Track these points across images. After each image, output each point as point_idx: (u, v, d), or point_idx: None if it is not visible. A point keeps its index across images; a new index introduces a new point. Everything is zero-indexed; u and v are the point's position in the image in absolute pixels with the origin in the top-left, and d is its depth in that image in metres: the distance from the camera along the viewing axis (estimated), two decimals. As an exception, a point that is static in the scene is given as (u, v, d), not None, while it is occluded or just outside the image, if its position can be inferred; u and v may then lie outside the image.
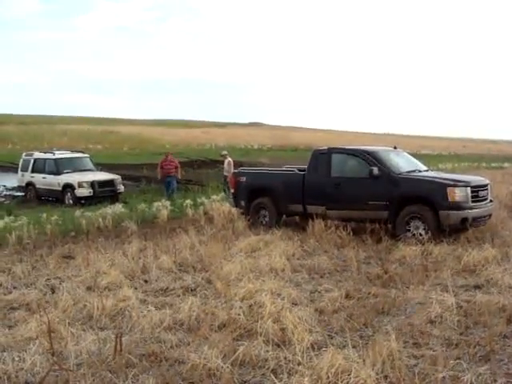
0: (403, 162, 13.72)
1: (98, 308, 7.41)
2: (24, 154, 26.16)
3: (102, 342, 6.16)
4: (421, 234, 11.90)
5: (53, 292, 8.59)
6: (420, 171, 13.61)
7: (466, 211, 11.95)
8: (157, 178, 23.81)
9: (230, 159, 23.09)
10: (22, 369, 5.54)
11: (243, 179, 15.25)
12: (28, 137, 69.22)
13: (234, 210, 15.76)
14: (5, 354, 5.96)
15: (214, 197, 19.25)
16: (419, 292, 8.12)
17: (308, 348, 5.88)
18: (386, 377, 5.17)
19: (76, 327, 6.80)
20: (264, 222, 14.46)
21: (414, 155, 16.17)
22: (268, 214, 14.55)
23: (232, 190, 15.73)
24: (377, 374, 5.13)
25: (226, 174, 22.48)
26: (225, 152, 24.05)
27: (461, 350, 5.93)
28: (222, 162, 23.95)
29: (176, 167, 22.83)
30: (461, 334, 6.45)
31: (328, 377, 5.00)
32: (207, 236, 12.54)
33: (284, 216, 14.69)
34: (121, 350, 5.74)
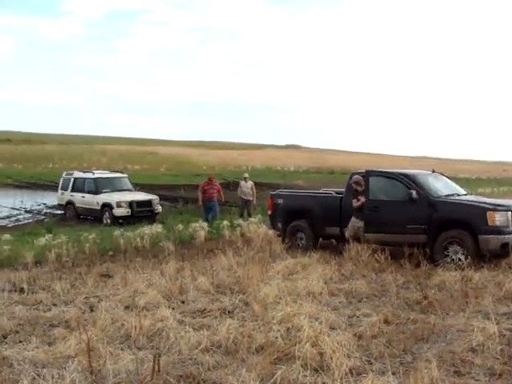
0: (442, 186, 13.59)
1: (135, 328, 7.43)
2: (64, 173, 26.60)
3: (139, 362, 6.16)
4: (460, 259, 11.70)
5: (91, 310, 8.66)
6: (459, 195, 13.46)
7: (507, 236, 11.74)
8: (196, 199, 22.35)
9: (251, 182, 22.64)
10: (62, 386, 5.58)
11: (280, 201, 15.25)
12: (68, 156, 70.40)
13: (271, 232, 15.73)
14: (44, 370, 6.01)
15: (251, 219, 19.22)
16: (459, 319, 7.97)
17: (347, 373, 5.81)
18: (427, 405, 5.07)
19: (114, 346, 6.83)
20: (301, 245, 14.41)
21: (452, 179, 15.98)
22: (305, 236, 14.50)
23: (269, 212, 15.70)
24: (418, 402, 5.03)
25: (245, 197, 22.15)
26: (246, 175, 23.38)
27: (504, 380, 5.81)
28: (237, 184, 23.17)
29: (219, 191, 21.75)
30: (504, 363, 6.30)
31: (368, 404, 4.93)
32: (244, 258, 12.52)
33: (321, 239, 14.62)
34: (158, 371, 5.74)
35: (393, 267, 11.53)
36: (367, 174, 14.15)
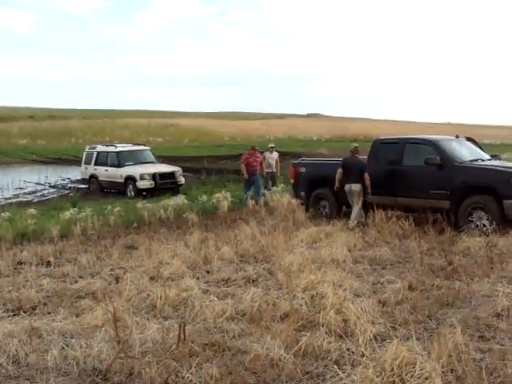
0: (466, 151, 13.45)
1: (161, 298, 7.51)
2: (87, 147, 26.74)
3: (165, 331, 6.24)
4: (484, 225, 11.64)
5: (117, 281, 8.77)
6: (483, 160, 13.31)
7: (532, 201, 11.60)
8: (241, 173, 19.28)
9: (276, 154, 20.61)
10: (90, 355, 5.68)
11: (303, 170, 15.22)
12: (90, 131, 70.57)
13: (294, 201, 15.72)
14: (73, 340, 6.13)
15: (274, 188, 19.21)
16: (484, 284, 7.94)
17: (371, 339, 5.84)
18: (452, 370, 5.08)
19: (140, 316, 6.94)
20: (324, 213, 14.41)
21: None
22: (328, 204, 14.49)
23: (292, 181, 15.68)
24: (442, 367, 5.03)
25: (270, 170, 19.99)
26: (273, 144, 21.44)
27: (529, 344, 5.78)
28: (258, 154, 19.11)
29: (261, 163, 18.91)
30: (529, 327, 6.28)
31: (392, 369, 4.93)
32: (268, 227, 12.54)
33: (344, 207, 14.59)
34: (184, 339, 5.81)
35: (416, 234, 11.48)
36: (389, 141, 14.15)
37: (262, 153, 19.50)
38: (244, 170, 18.37)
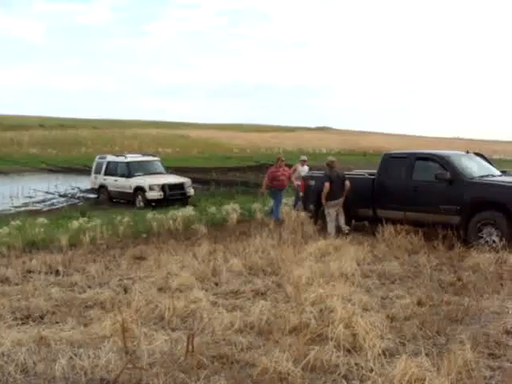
0: (476, 167, 13.41)
1: (169, 309, 7.50)
2: (97, 157, 26.86)
3: (173, 343, 6.24)
4: (494, 241, 11.56)
5: (125, 292, 8.76)
6: (493, 176, 13.27)
7: (542, 218, 11.54)
8: (260, 190, 17.84)
9: (307, 167, 19.40)
10: (97, 366, 5.67)
11: (312, 183, 15.21)
12: (100, 140, 71.06)
13: (303, 213, 15.70)
14: (81, 350, 6.12)
15: (283, 200, 19.21)
16: (494, 301, 7.91)
17: (380, 355, 5.80)
18: (461, 387, 5.05)
19: (148, 327, 6.93)
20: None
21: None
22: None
23: (301, 194, 15.67)
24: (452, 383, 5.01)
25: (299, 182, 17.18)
26: (305, 157, 20.11)
27: (539, 362, 5.74)
28: (286, 166, 17.89)
29: (289, 177, 17.51)
30: (539, 345, 6.24)
31: (401, 384, 4.91)
32: (277, 240, 12.53)
33: (353, 220, 14.58)
34: (192, 351, 5.80)
35: (426, 249, 11.46)
36: (400, 156, 14.16)
37: (288, 166, 18.71)
38: (265, 183, 16.96)
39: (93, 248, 12.81)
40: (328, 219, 13.82)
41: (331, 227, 13.69)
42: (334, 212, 13.75)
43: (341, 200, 13.79)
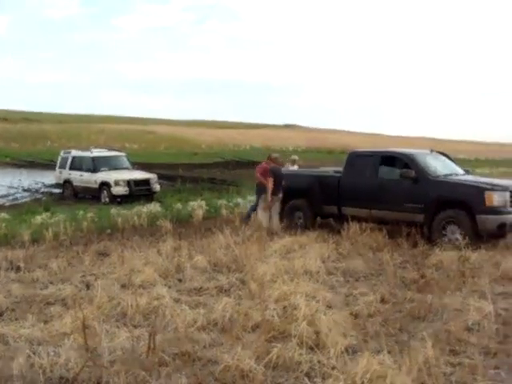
0: (440, 165, 13.56)
1: (131, 306, 7.42)
2: (62, 151, 26.51)
3: (135, 340, 6.17)
4: (457, 239, 11.70)
5: (88, 288, 8.64)
6: (457, 175, 13.42)
7: (504, 216, 11.73)
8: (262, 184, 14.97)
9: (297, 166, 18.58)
10: (57, 363, 5.57)
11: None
12: (66, 135, 70.20)
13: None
14: (40, 348, 6.00)
15: (250, 197, 19.18)
16: (456, 298, 7.97)
17: (342, 352, 5.81)
18: (422, 384, 5.07)
19: (110, 324, 6.84)
20: (299, 224, 14.41)
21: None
22: (303, 215, 14.51)
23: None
24: (413, 380, 5.02)
25: None
26: (296, 157, 19.44)
27: (499, 359, 5.81)
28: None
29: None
30: (499, 342, 6.31)
31: (363, 382, 4.92)
32: (242, 237, 12.50)
33: (319, 218, 14.64)
34: (154, 349, 5.74)
35: (390, 246, 11.53)
36: (365, 154, 14.27)
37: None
38: (263, 179, 15.04)
39: (56, 244, 12.60)
40: (260, 211, 14.39)
41: (264, 216, 14.16)
42: (277, 207, 14.30)
43: (280, 196, 14.29)
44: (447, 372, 5.44)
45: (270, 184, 14.06)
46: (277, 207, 14.37)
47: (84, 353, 5.79)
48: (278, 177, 14.26)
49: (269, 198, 14.05)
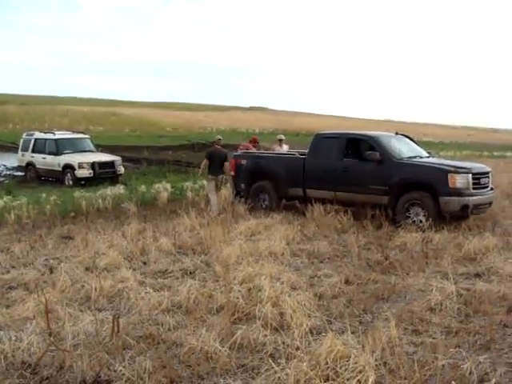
0: (404, 148, 13.64)
1: (95, 289, 7.37)
2: (25, 134, 26.06)
3: (99, 323, 6.10)
4: (421, 221, 11.85)
5: (51, 272, 8.53)
6: (421, 157, 13.54)
7: (467, 198, 11.88)
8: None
9: (287, 146, 17.96)
10: (19, 348, 5.49)
11: (244, 162, 15.19)
12: (29, 117, 69.03)
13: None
14: (1, 333, 5.92)
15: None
16: (419, 279, 8.08)
17: (307, 333, 5.84)
18: (385, 363, 5.12)
19: (73, 308, 6.77)
20: (264, 206, 14.43)
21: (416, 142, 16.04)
22: (268, 197, 14.52)
23: (232, 173, 15.60)
24: (376, 360, 5.07)
25: None
26: (282, 136, 18.52)
27: (460, 338, 5.90)
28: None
29: None
30: (461, 322, 6.42)
31: (327, 362, 4.95)
32: (207, 219, 12.47)
33: (284, 200, 14.67)
34: (118, 332, 5.71)
35: (355, 228, 11.64)
36: (330, 136, 14.32)
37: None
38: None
39: (18, 227, 12.46)
40: (208, 193, 15.09)
41: (213, 199, 14.65)
42: (212, 187, 14.76)
43: (220, 177, 14.90)
44: (410, 351, 5.51)
45: (202, 165, 15.05)
46: (211, 187, 14.84)
47: (47, 337, 5.75)
48: (214, 158, 14.82)
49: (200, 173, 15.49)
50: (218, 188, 14.86)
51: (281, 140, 17.97)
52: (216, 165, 14.75)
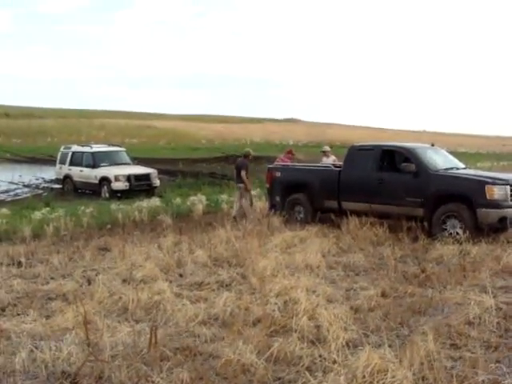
0: (440, 160, 13.54)
1: (133, 300, 7.45)
2: (62, 147, 26.51)
3: (136, 335, 6.16)
4: (458, 233, 11.71)
5: (89, 283, 8.66)
6: (458, 169, 13.42)
7: (505, 210, 11.71)
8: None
9: (334, 157, 17.42)
10: (59, 358, 5.58)
11: (279, 174, 15.21)
12: (66, 130, 70.07)
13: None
14: (42, 343, 6.02)
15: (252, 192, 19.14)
16: (457, 292, 7.96)
17: (343, 346, 5.82)
18: (423, 378, 5.07)
19: (111, 319, 6.86)
20: (299, 218, 14.41)
21: (451, 153, 15.91)
22: (303, 210, 14.50)
23: (267, 186, 15.64)
24: (414, 374, 5.03)
25: None
26: (327, 148, 18.09)
27: (500, 353, 5.81)
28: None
29: None
30: (500, 336, 6.32)
31: (364, 376, 4.92)
32: (242, 231, 12.51)
33: (319, 212, 14.64)
34: (155, 343, 5.75)
35: (391, 241, 11.55)
36: (366, 148, 14.27)
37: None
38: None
39: (56, 239, 12.64)
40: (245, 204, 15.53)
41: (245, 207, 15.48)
42: (238, 196, 15.74)
43: (238, 186, 15.87)
44: (448, 366, 5.44)
45: (245, 177, 15.61)
46: (236, 196, 15.88)
47: (86, 348, 5.81)
48: (236, 169, 15.95)
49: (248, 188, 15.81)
50: (242, 196, 15.61)
51: (325, 152, 17.57)
52: (237, 174, 15.86)
